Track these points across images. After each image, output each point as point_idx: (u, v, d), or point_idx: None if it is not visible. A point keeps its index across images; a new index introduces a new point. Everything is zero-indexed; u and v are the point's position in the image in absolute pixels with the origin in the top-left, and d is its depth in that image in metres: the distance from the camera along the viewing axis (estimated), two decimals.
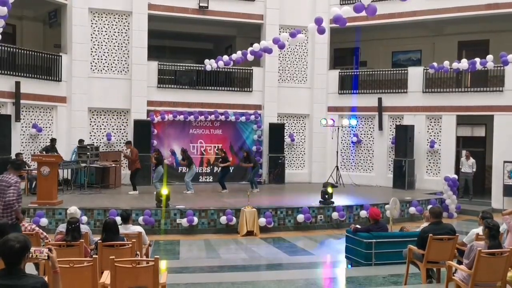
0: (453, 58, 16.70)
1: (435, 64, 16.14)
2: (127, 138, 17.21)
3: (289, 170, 19.08)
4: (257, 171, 16.88)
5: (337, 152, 18.58)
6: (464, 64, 15.06)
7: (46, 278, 3.96)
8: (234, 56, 14.48)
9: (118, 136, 17.50)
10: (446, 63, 15.69)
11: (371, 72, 19.47)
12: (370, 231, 8.73)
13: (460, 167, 17.01)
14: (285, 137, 18.89)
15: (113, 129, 17.50)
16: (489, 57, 14.77)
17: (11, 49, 15.55)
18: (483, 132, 18.34)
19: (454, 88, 17.54)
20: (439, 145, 17.66)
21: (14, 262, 3.43)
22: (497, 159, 16.40)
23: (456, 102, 17.28)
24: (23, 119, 15.58)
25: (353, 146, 19.31)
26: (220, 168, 16.29)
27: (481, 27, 18.46)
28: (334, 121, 18.42)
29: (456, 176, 15.70)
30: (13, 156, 14.37)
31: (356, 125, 19.04)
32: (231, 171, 17.18)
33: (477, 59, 14.86)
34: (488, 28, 18.31)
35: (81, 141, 16.13)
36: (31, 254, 3.57)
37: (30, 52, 16.01)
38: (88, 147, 15.98)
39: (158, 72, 17.92)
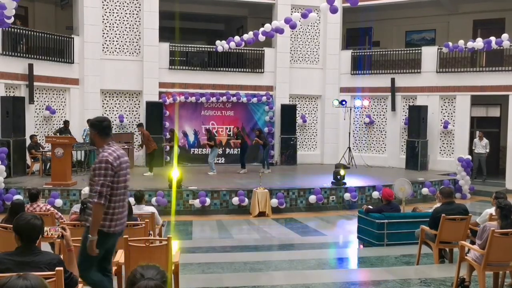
0: (468, 37, 16.42)
1: (449, 43, 15.89)
2: (139, 120, 17.27)
3: (301, 151, 19.05)
4: (268, 150, 16.93)
5: (349, 133, 18.49)
6: (479, 43, 14.83)
7: (61, 257, 4.03)
8: (245, 36, 14.41)
9: (131, 118, 17.57)
10: (461, 42, 15.46)
11: (384, 52, 19.22)
12: (382, 212, 8.75)
13: (474, 148, 16.85)
14: (297, 118, 18.81)
15: (126, 111, 17.57)
16: (505, 36, 14.53)
17: (24, 31, 15.60)
18: (497, 112, 18.11)
19: (469, 68, 17.28)
20: (453, 126, 17.48)
21: (35, 239, 3.56)
22: None
23: (470, 82, 17.02)
24: (37, 101, 15.70)
25: (365, 127, 19.21)
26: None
27: (497, 5, 18.08)
28: (346, 102, 18.27)
29: (470, 157, 15.55)
30: (27, 138, 14.55)
31: (369, 105, 18.89)
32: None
33: (493, 38, 14.63)
34: (504, 6, 17.92)
35: (89, 120, 16.13)
36: (46, 233, 3.68)
37: (43, 34, 16.05)
38: None
39: (170, 54, 17.87)
